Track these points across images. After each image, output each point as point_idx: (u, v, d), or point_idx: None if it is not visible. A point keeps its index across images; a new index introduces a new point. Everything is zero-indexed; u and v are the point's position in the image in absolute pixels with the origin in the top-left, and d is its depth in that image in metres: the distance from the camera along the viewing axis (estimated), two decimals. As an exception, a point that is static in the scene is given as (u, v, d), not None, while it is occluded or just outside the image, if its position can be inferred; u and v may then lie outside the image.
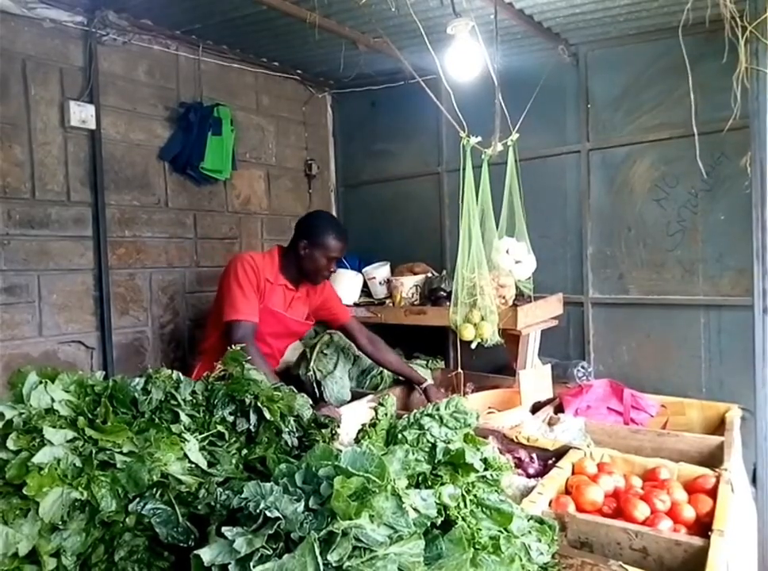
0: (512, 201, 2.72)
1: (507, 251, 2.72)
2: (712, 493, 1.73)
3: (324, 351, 3.10)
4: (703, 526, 1.61)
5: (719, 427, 2.39)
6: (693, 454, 2.09)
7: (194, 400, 1.28)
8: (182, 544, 1.03)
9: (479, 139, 2.41)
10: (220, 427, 1.25)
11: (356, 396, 2.88)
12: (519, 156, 2.68)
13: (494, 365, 3.27)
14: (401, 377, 3.01)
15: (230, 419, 1.29)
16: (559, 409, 2.59)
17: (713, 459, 1.99)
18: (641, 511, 1.67)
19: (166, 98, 3.23)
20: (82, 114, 2.83)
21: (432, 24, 2.67)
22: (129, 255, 3.09)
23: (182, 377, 1.30)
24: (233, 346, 1.43)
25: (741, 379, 2.70)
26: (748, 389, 1.88)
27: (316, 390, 2.96)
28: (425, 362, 3.34)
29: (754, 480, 1.97)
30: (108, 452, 1.09)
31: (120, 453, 1.10)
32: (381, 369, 3.10)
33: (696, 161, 2.51)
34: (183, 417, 1.23)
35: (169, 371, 1.30)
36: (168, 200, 3.25)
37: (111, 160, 3.00)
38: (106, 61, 2.96)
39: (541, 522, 1.21)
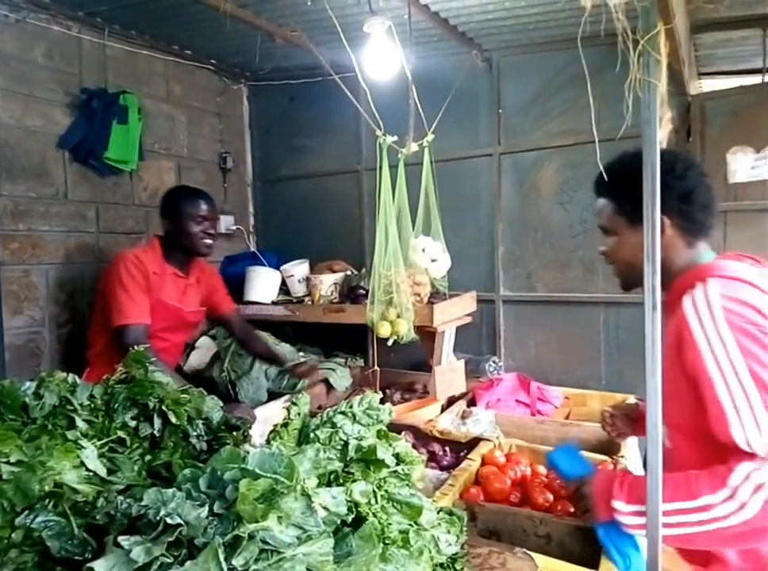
0: (428, 201, 2.77)
1: (423, 250, 2.77)
2: (610, 478, 1.84)
3: (239, 352, 3.02)
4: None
5: (617, 416, 2.54)
6: (593, 442, 2.22)
7: (92, 405, 1.20)
8: (77, 557, 0.97)
9: (395, 138, 2.44)
10: (120, 433, 1.18)
11: (273, 396, 2.83)
12: (435, 157, 2.73)
13: (412, 361, 3.33)
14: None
15: (132, 423, 1.22)
16: (472, 403, 2.68)
17: (612, 447, 2.12)
18: (545, 497, 1.76)
19: (66, 83, 3.01)
20: (-32, 96, 2.59)
21: (349, 22, 2.67)
22: (24, 250, 2.87)
23: (78, 381, 1.22)
24: (132, 349, 1.34)
25: (637, 371, 2.86)
26: (643, 380, 2.01)
27: (231, 391, 2.89)
28: (344, 360, 3.34)
29: (645, 465, 2.11)
30: (-8, 463, 1.00)
31: (8, 463, 1.02)
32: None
33: (598, 166, 2.65)
34: (80, 423, 1.15)
35: (64, 374, 1.22)
36: (68, 191, 3.04)
37: (4, 147, 2.76)
38: (-3, 39, 2.73)
39: (450, 513, 1.24)
